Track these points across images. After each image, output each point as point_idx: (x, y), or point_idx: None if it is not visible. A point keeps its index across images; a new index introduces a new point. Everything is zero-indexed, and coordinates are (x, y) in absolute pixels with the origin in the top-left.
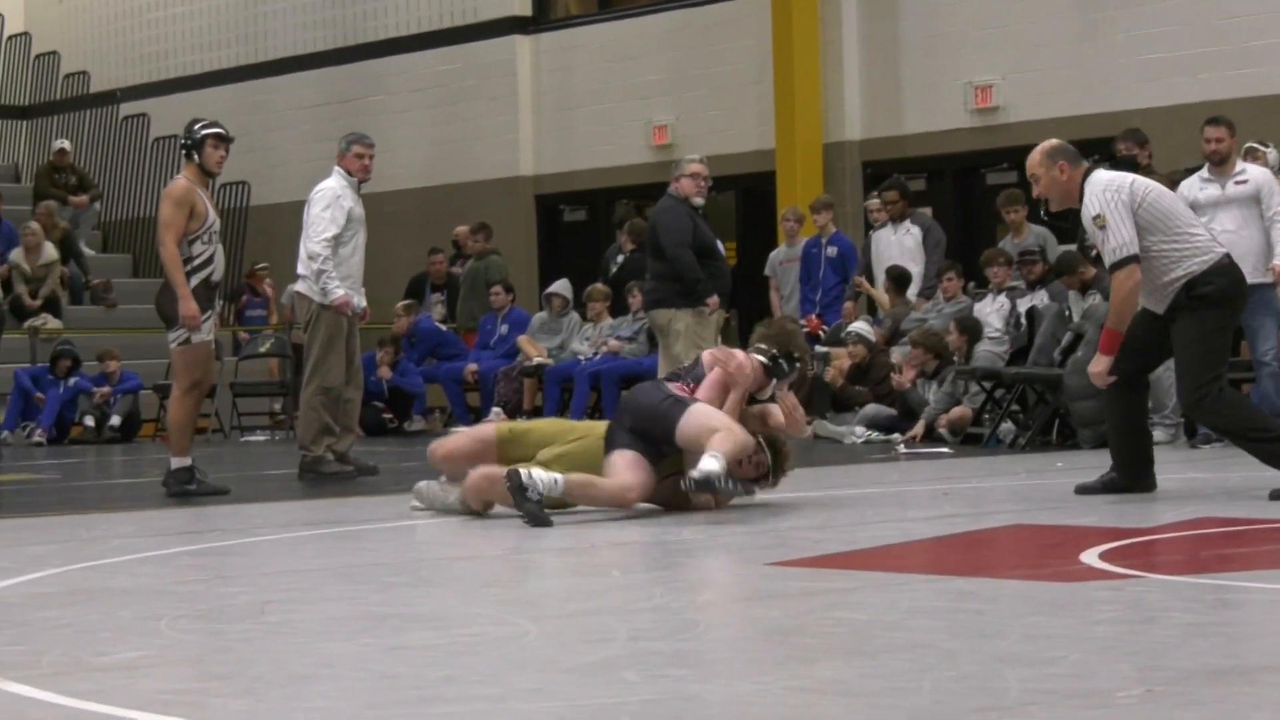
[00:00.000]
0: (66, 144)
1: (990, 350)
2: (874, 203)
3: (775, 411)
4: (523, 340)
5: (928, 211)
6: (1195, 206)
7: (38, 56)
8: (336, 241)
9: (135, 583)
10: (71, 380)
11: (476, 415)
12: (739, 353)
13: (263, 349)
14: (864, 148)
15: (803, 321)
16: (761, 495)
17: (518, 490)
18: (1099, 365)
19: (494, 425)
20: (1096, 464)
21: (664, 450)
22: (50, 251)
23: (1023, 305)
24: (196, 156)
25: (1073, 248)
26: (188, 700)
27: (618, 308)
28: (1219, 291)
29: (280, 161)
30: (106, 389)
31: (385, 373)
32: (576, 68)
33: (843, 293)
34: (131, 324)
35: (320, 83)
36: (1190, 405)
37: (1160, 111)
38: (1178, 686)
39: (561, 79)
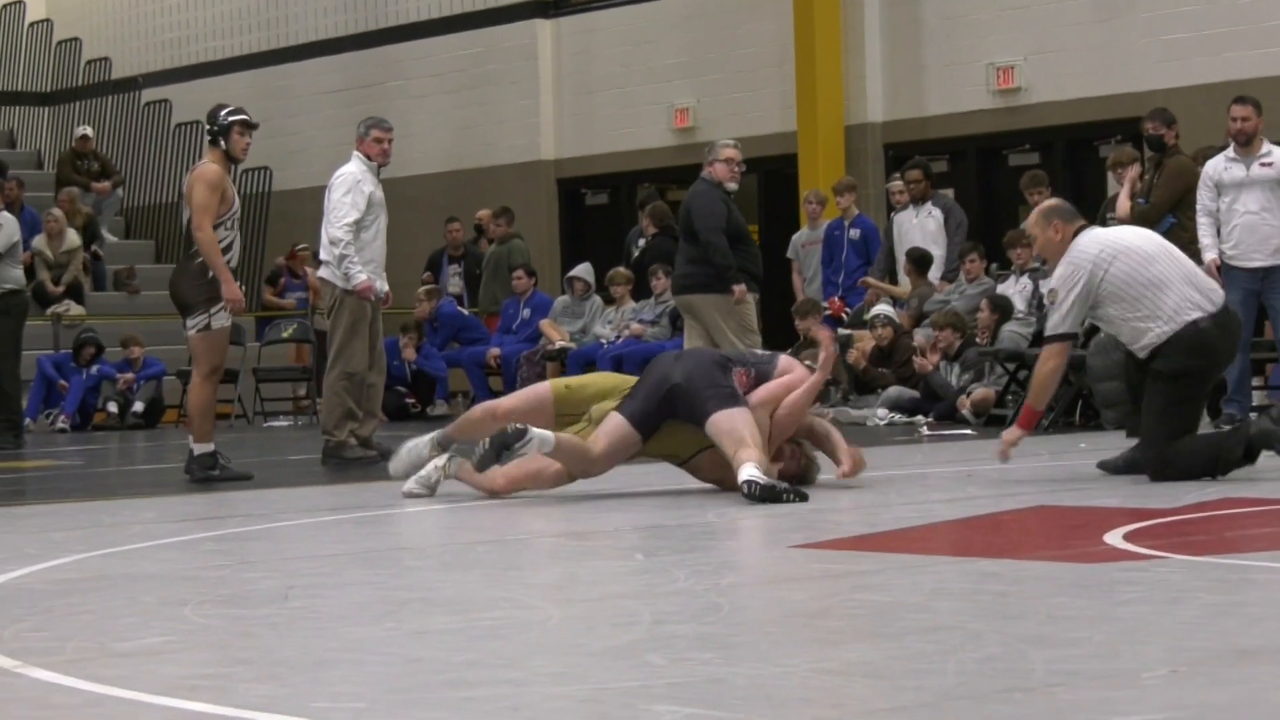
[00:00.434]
0: (89, 130)
1: (1016, 331)
2: (896, 184)
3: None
4: (545, 324)
5: (949, 193)
6: (1220, 187)
7: (59, 43)
8: (358, 226)
9: (158, 568)
10: (94, 367)
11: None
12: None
13: (285, 334)
14: (886, 129)
15: (825, 304)
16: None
17: (502, 446)
18: (1011, 435)
19: (549, 383)
20: (1119, 445)
21: (679, 415)
22: (73, 238)
23: (1045, 286)
24: (223, 143)
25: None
26: (211, 685)
27: (640, 291)
28: (1178, 367)
29: (302, 147)
30: (130, 375)
31: (410, 355)
32: (597, 51)
33: (866, 275)
34: (154, 310)
35: (341, 68)
36: (1154, 473)
37: (1182, 91)
38: (1202, 667)
39: (582, 62)
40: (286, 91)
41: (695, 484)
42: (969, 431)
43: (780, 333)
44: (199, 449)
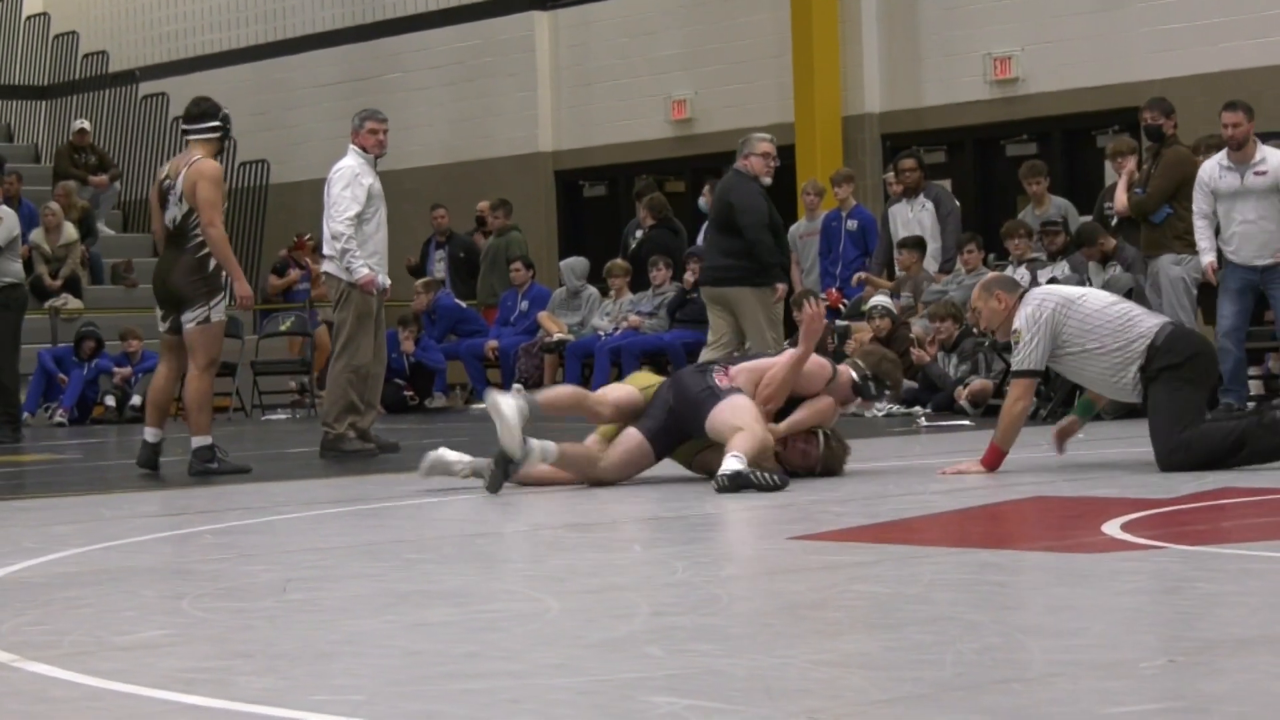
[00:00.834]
0: (86, 124)
1: None
2: (890, 176)
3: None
4: (543, 316)
5: (945, 184)
6: (1216, 194)
7: (57, 36)
8: (359, 219)
9: (157, 562)
10: (93, 361)
11: None
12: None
13: (283, 327)
14: (883, 120)
15: (823, 295)
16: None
17: (508, 464)
18: (968, 468)
19: (636, 388)
20: (1119, 435)
21: (691, 434)
22: (70, 231)
23: (1043, 277)
24: (226, 139)
25: (1091, 219)
26: (210, 679)
27: (638, 283)
28: (1166, 363)
29: (300, 139)
30: (128, 369)
31: (409, 347)
32: (595, 43)
33: (864, 266)
34: (152, 304)
35: (339, 60)
36: (1164, 464)
37: (1180, 81)
38: (1201, 657)
39: (580, 54)
40: (284, 84)
41: (694, 476)
42: (967, 422)
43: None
44: (197, 442)
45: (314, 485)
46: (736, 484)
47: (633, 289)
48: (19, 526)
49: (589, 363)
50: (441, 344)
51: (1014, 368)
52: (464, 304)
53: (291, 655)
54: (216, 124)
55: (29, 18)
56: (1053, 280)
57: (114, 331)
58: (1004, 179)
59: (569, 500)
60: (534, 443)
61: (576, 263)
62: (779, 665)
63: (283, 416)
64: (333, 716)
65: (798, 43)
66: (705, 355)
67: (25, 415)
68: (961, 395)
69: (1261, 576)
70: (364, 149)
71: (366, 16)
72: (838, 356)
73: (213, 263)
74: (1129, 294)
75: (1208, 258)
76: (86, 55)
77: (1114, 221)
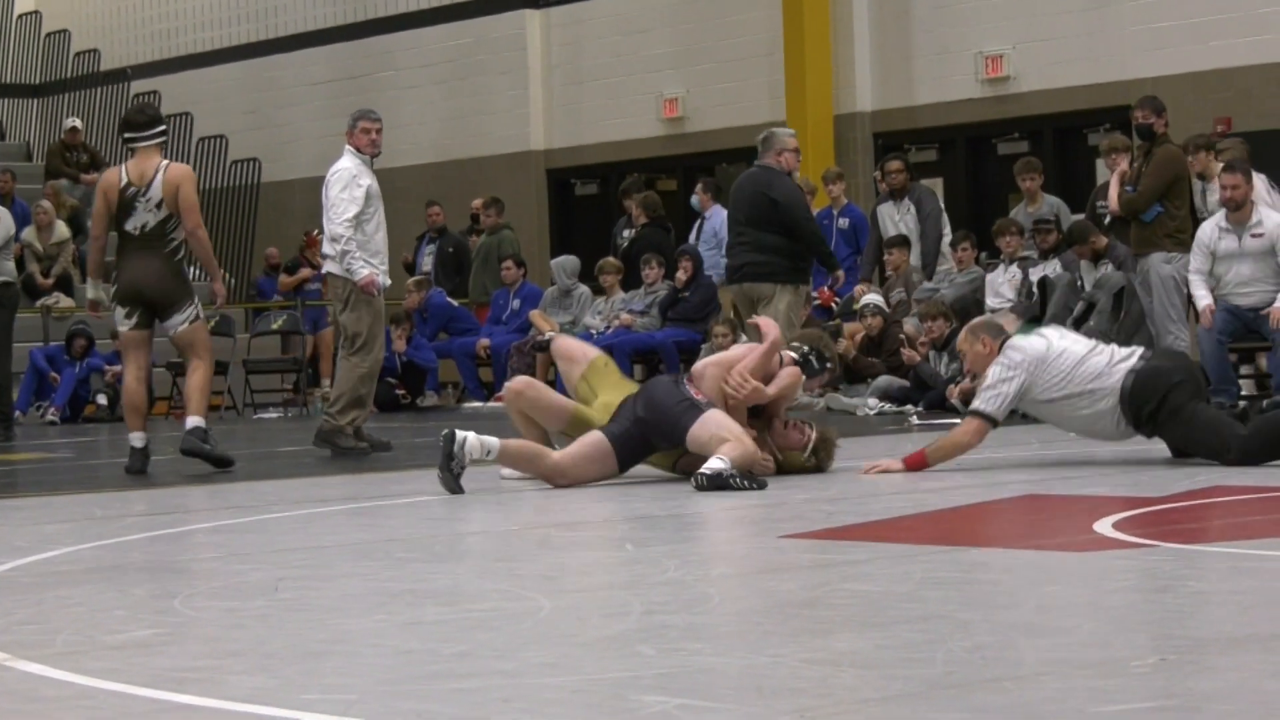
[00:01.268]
0: (78, 122)
1: None
2: (879, 174)
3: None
4: (535, 315)
5: (936, 182)
6: (1214, 256)
7: (48, 35)
8: (358, 220)
9: (149, 560)
10: (85, 359)
11: (489, 390)
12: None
13: (275, 325)
14: (875, 119)
15: (814, 294)
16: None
17: (446, 456)
18: (888, 465)
19: (598, 353)
20: None
21: (660, 446)
22: (62, 230)
23: (1035, 275)
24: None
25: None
26: (202, 678)
27: (629, 281)
28: (1152, 404)
29: (291, 138)
30: (118, 367)
31: (400, 346)
32: (586, 41)
33: (855, 264)
34: None
35: (330, 59)
36: (1242, 462)
37: (1171, 79)
38: (1192, 655)
39: (571, 53)
40: (276, 83)
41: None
42: (958, 421)
43: None
44: (194, 422)
45: (305, 484)
46: (715, 484)
47: (624, 287)
48: (10, 525)
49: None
50: (433, 342)
51: (974, 406)
52: (456, 302)
53: (283, 654)
54: (164, 128)
55: (20, 16)
56: (1043, 280)
57: (105, 330)
58: (995, 177)
59: (560, 499)
60: (474, 437)
61: (568, 261)
62: (770, 664)
63: (274, 415)
64: (324, 715)
65: (789, 41)
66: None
67: (17, 414)
68: (953, 394)
69: (1252, 575)
70: (358, 149)
71: (358, 15)
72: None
73: (186, 265)
74: (1120, 291)
75: (1204, 302)
76: (78, 53)
77: (1106, 220)
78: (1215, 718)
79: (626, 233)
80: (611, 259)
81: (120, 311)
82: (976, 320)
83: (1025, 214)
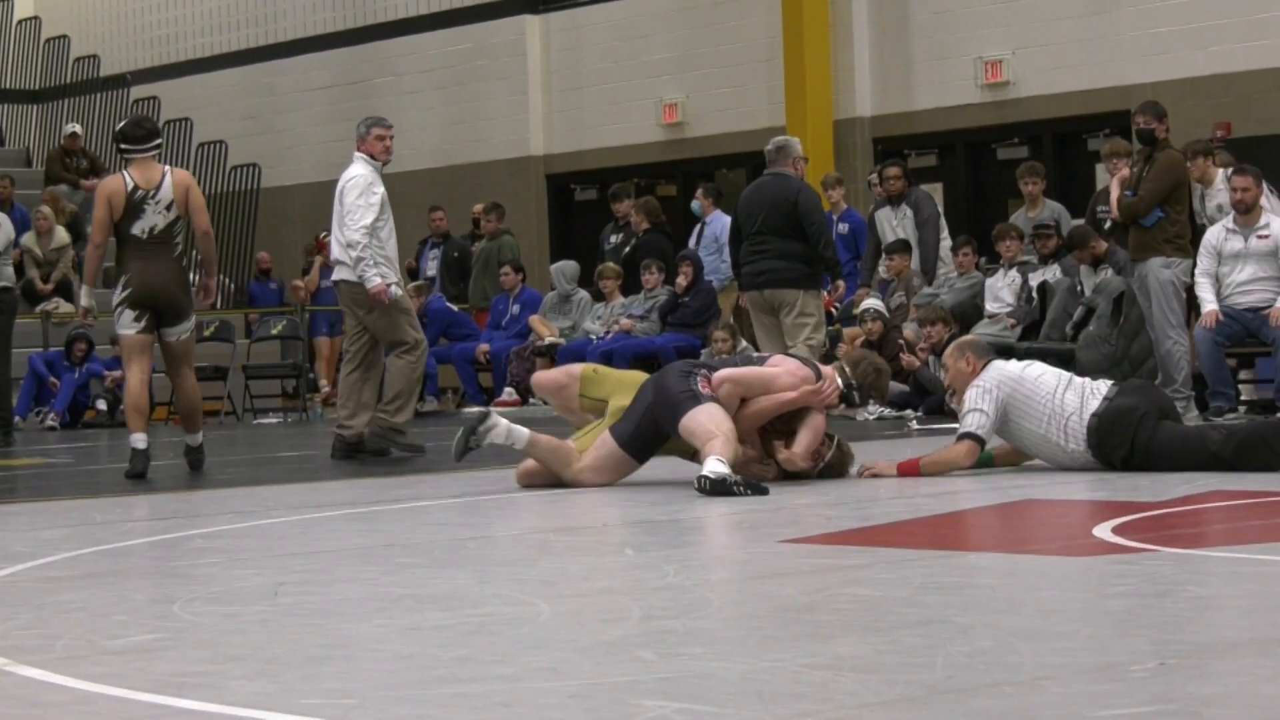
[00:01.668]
0: (78, 128)
1: (986, 333)
2: (872, 177)
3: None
4: (535, 320)
5: (935, 188)
6: (1220, 256)
7: (48, 40)
8: (373, 228)
9: (148, 566)
10: (84, 364)
11: (489, 395)
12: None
13: (274, 331)
14: (875, 124)
15: None
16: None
17: (470, 430)
18: (882, 469)
19: (581, 366)
20: None
21: (669, 433)
22: (62, 235)
23: (1034, 280)
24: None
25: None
26: (202, 683)
27: (629, 286)
28: (1123, 448)
29: (291, 143)
30: (118, 373)
31: None
32: (586, 47)
33: (855, 269)
34: None
35: (330, 64)
36: (1236, 457)
37: (1170, 85)
38: (1191, 660)
39: (571, 58)
40: (275, 88)
41: (684, 478)
42: (957, 425)
43: None
44: (200, 439)
45: (304, 489)
46: (718, 490)
47: (624, 292)
48: (10, 531)
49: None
50: (433, 348)
51: (964, 429)
52: (455, 307)
53: (283, 659)
54: (161, 141)
55: (20, 21)
56: (1043, 285)
57: (105, 335)
58: (995, 182)
59: (560, 504)
60: (504, 422)
61: (567, 266)
62: (770, 668)
63: (274, 420)
64: None
65: (789, 46)
66: None
67: (16, 419)
68: (952, 399)
69: (1252, 579)
70: (372, 156)
71: (357, 20)
72: (828, 358)
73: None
74: (1120, 297)
75: (1209, 306)
76: (78, 59)
77: (1107, 225)
78: None
79: (614, 238)
80: (611, 264)
81: (129, 315)
82: (965, 338)
83: (1026, 219)
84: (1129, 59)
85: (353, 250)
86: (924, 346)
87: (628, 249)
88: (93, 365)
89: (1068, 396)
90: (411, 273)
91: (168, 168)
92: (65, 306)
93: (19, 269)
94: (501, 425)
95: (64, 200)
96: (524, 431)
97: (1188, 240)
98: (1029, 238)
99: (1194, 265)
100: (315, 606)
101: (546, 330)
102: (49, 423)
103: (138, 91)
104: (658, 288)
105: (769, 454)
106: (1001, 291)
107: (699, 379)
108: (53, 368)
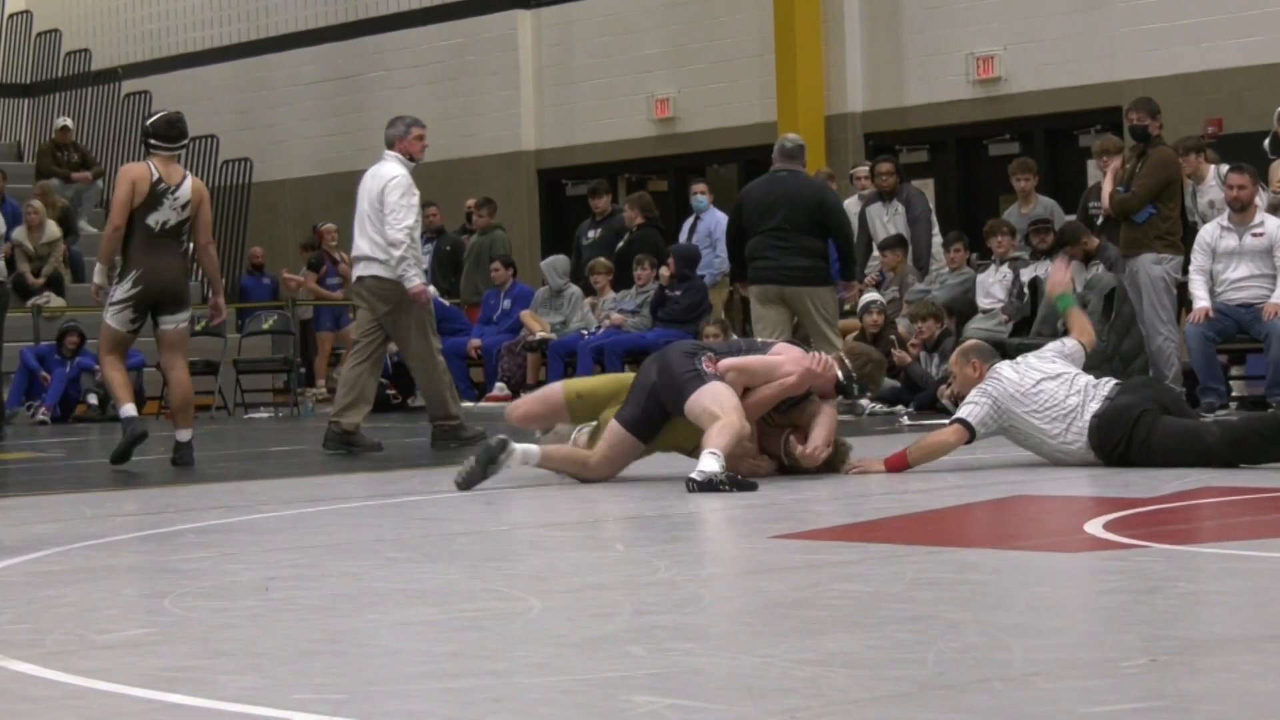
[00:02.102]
0: (69, 122)
1: (981, 327)
2: (861, 170)
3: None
4: (525, 315)
5: (926, 183)
6: (1215, 253)
7: (39, 34)
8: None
9: (139, 560)
10: (75, 359)
11: (480, 390)
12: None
13: (265, 325)
14: (866, 119)
15: None
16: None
17: (488, 460)
18: (868, 465)
19: (562, 386)
20: None
21: (672, 413)
22: (53, 229)
23: (1025, 275)
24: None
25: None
26: (192, 677)
27: (620, 281)
28: (1120, 444)
29: (282, 138)
30: None
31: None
32: (578, 42)
33: None
34: None
35: (321, 59)
36: (1231, 452)
37: (1162, 81)
38: (1182, 656)
39: (563, 53)
40: (267, 83)
41: (676, 473)
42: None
43: None
44: (188, 435)
45: (295, 484)
46: (705, 488)
47: (614, 287)
48: (0, 525)
49: (571, 361)
50: None
51: (959, 415)
52: (447, 303)
53: (273, 654)
54: (187, 143)
55: (11, 15)
56: (1034, 280)
57: (96, 329)
58: (987, 178)
59: (551, 499)
60: (517, 446)
61: (559, 261)
62: (761, 664)
63: (264, 415)
64: (314, 715)
65: (780, 42)
66: None
67: (7, 413)
68: (944, 394)
69: (1243, 576)
70: (410, 155)
71: (349, 15)
72: None
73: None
74: (1111, 293)
75: (1202, 303)
76: (69, 53)
77: (1099, 220)
78: (1205, 718)
79: (591, 233)
80: (603, 259)
81: (128, 313)
82: (970, 343)
83: (1018, 215)
84: (1120, 55)
85: (396, 250)
86: (915, 342)
87: (621, 244)
88: (84, 359)
89: (1070, 400)
90: None
91: (187, 171)
92: (56, 300)
93: (10, 263)
94: (517, 451)
95: (55, 194)
96: (535, 449)
97: (1179, 237)
98: (1022, 233)
99: (1185, 262)
100: (306, 601)
101: (537, 325)
102: (40, 417)
103: (129, 86)
104: (649, 283)
105: (774, 454)
106: (993, 287)
107: (704, 359)
108: (44, 362)
